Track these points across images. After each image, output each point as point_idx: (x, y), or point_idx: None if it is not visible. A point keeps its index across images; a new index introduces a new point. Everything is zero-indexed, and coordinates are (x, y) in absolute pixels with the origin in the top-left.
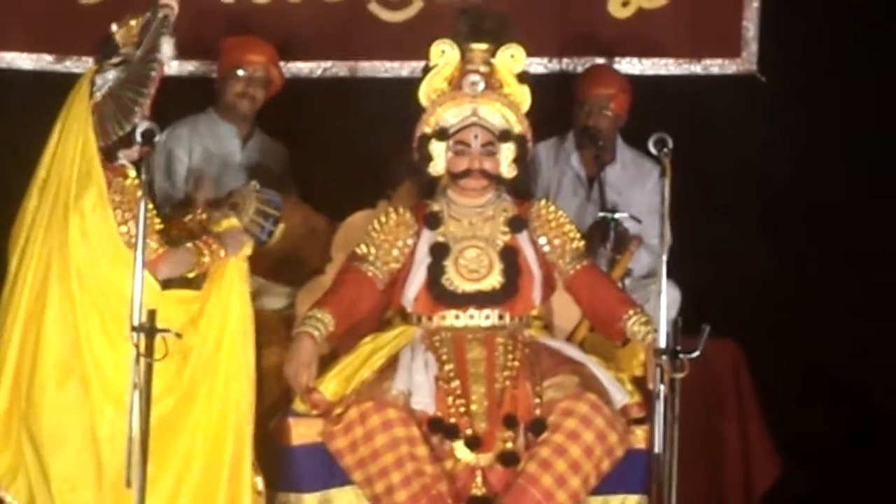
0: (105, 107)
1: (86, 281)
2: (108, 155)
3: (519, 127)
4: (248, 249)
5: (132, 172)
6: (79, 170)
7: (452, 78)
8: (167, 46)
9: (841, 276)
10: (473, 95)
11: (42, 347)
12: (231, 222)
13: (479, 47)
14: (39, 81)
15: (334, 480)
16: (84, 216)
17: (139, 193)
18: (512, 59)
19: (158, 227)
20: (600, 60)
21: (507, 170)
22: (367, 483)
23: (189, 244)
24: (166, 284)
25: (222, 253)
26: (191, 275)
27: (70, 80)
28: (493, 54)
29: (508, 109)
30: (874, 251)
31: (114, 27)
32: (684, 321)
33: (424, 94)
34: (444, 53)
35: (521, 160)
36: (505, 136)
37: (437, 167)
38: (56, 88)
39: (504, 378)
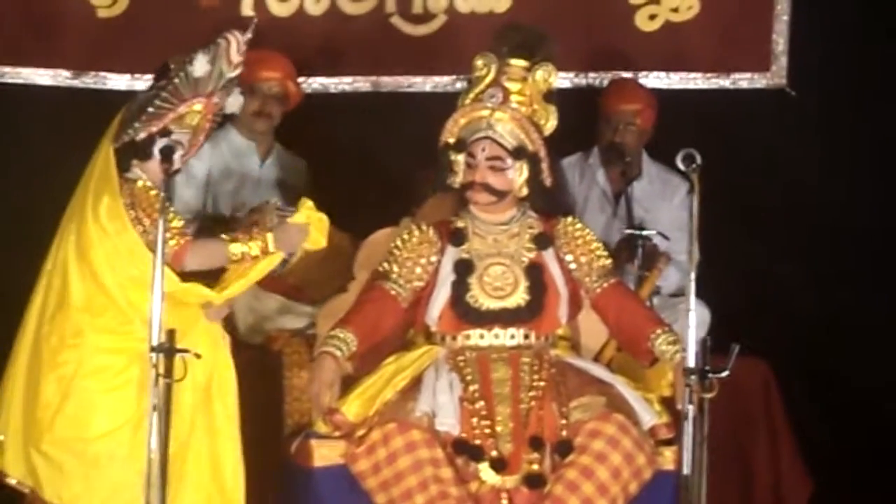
0: (126, 112)
1: (115, 275)
2: (121, 165)
3: (532, 145)
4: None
5: (140, 182)
6: (97, 180)
7: (485, 91)
8: (199, 61)
9: (872, 295)
10: (492, 109)
11: None
12: (298, 219)
13: (517, 63)
14: (57, 97)
15: (357, 503)
16: (101, 223)
17: (159, 208)
18: (543, 78)
19: (178, 223)
20: (627, 75)
21: (520, 188)
22: None
23: (224, 235)
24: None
25: (270, 246)
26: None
27: (87, 95)
28: (529, 71)
29: (523, 126)
30: None
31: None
32: (713, 340)
33: (459, 106)
34: (485, 66)
35: (533, 179)
36: (518, 153)
37: (458, 179)
38: (73, 104)
39: (530, 399)
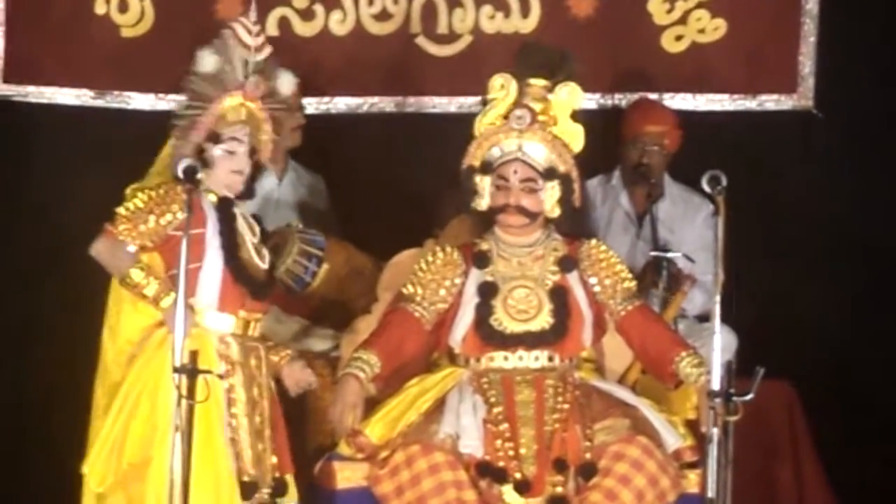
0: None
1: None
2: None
3: (564, 166)
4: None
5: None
6: None
7: (508, 113)
8: (205, 58)
9: None
10: (520, 130)
11: None
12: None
13: (537, 83)
14: (80, 117)
15: None
16: None
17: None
18: (568, 97)
19: (122, 210)
20: (653, 96)
21: (551, 209)
22: None
23: (142, 263)
24: None
25: (162, 302)
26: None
27: (110, 115)
28: (550, 90)
29: (554, 147)
30: None
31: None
32: (738, 362)
33: (479, 127)
34: (503, 88)
35: (565, 200)
36: (550, 174)
37: (483, 202)
38: (96, 124)
39: (554, 421)
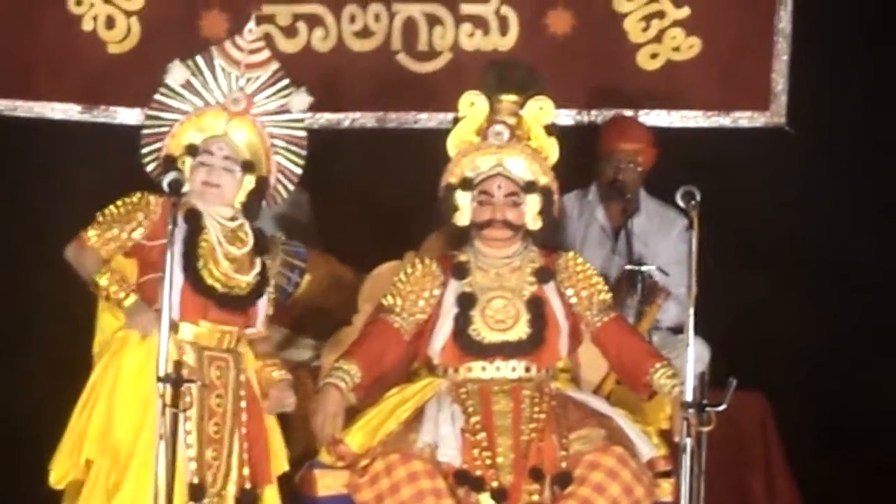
0: None
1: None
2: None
3: (544, 178)
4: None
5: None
6: None
7: (481, 129)
8: (174, 70)
9: (870, 330)
10: (499, 146)
11: None
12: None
13: (508, 99)
14: (67, 131)
15: None
16: None
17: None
18: (540, 111)
19: (99, 217)
20: (629, 113)
21: (532, 221)
22: None
23: (108, 268)
24: None
25: (125, 303)
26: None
27: (97, 129)
28: (521, 106)
29: (534, 161)
30: None
31: None
32: (712, 374)
33: (453, 145)
34: (473, 105)
35: (546, 212)
36: (530, 187)
37: (463, 217)
38: (83, 138)
39: (530, 430)
